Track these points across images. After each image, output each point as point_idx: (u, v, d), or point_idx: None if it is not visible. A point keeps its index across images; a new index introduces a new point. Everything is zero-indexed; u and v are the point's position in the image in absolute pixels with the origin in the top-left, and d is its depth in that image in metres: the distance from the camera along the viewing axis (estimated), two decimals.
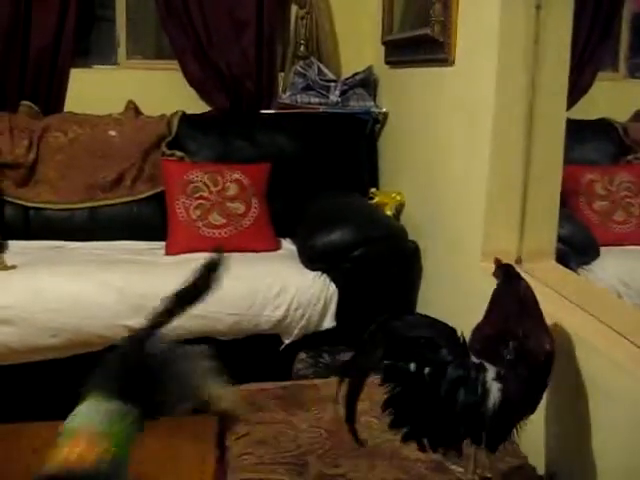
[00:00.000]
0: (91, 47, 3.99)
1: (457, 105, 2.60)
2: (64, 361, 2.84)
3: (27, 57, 3.64)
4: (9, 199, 3.42)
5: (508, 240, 2.32)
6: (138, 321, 2.76)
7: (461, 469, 1.76)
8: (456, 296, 2.57)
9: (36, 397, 2.90)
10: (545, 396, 1.67)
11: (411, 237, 3.00)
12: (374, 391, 2.14)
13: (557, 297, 2.05)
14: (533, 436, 1.83)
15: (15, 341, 2.75)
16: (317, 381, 2.15)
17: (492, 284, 2.25)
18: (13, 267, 2.98)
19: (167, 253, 3.24)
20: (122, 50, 3.94)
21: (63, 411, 2.94)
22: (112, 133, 3.52)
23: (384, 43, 3.53)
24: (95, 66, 3.94)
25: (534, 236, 2.30)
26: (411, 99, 3.20)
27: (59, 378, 2.89)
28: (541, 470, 1.86)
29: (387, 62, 3.56)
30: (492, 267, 2.28)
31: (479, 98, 2.37)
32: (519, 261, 2.31)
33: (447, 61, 2.65)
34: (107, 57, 3.96)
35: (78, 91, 3.75)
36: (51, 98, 3.72)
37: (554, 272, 2.25)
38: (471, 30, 2.50)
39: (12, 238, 3.35)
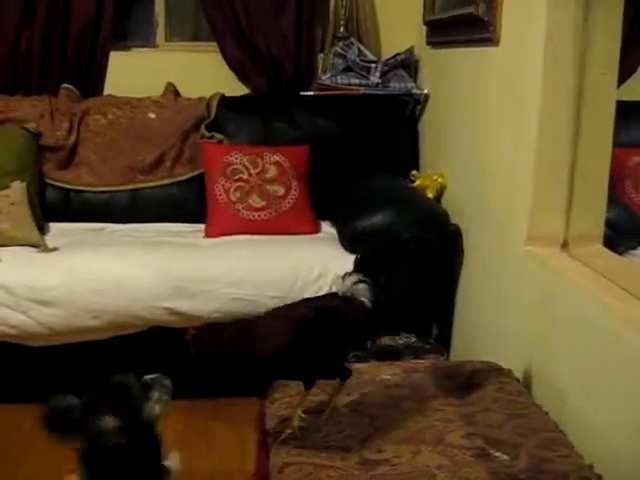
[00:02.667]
0: (130, 29, 4.00)
1: (502, 86, 2.55)
2: (104, 342, 2.86)
3: (67, 41, 3.67)
4: (50, 181, 3.45)
5: (554, 224, 2.27)
6: (178, 303, 2.80)
7: (506, 456, 1.73)
8: (500, 280, 2.53)
9: (76, 378, 2.92)
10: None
11: (453, 220, 2.96)
12: (416, 377, 2.14)
13: (605, 282, 2.00)
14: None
15: (57, 322, 2.79)
16: (358, 365, 2.12)
17: (537, 268, 2.22)
18: (55, 249, 3.01)
19: (206, 235, 3.24)
20: (161, 32, 3.94)
21: None
22: (151, 115, 3.53)
23: (426, 23, 3.48)
24: (134, 49, 3.94)
25: (581, 220, 2.25)
26: (454, 80, 3.15)
27: (99, 359, 2.92)
28: None
29: (429, 42, 3.50)
30: (538, 250, 2.26)
31: (526, 78, 2.31)
32: (565, 245, 2.26)
33: (492, 41, 2.59)
34: (146, 39, 3.96)
35: (117, 74, 3.77)
36: (91, 81, 3.74)
37: (601, 256, 2.20)
38: (517, 8, 2.44)
39: (53, 220, 3.40)
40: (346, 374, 1.81)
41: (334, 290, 2.78)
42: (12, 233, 3.05)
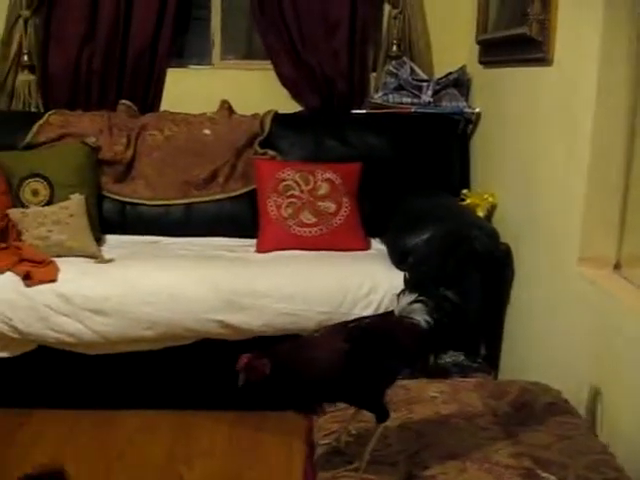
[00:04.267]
0: (187, 48, 4.08)
1: (555, 105, 2.54)
2: (158, 353, 2.92)
3: (126, 58, 3.77)
4: (107, 194, 3.54)
5: (606, 244, 2.26)
6: (229, 316, 2.85)
7: (553, 477, 1.73)
8: (550, 300, 2.52)
9: (129, 386, 2.99)
10: None
11: (503, 239, 2.95)
12: (463, 395, 2.14)
13: None
14: None
15: (111, 332, 2.85)
16: (407, 381, 2.13)
17: (589, 289, 2.20)
18: (110, 260, 3.09)
19: (258, 250, 3.28)
20: (217, 51, 4.02)
21: (155, 400, 3.05)
22: (206, 132, 3.60)
23: (478, 42, 3.48)
24: (191, 66, 4.04)
25: (634, 241, 2.22)
26: (505, 99, 3.15)
27: (152, 369, 2.99)
28: None
29: (481, 62, 3.51)
30: (590, 271, 2.24)
31: (579, 98, 2.31)
32: (618, 266, 2.24)
33: (545, 61, 2.59)
34: (202, 58, 4.05)
35: (174, 91, 3.85)
36: (148, 97, 3.83)
37: None
38: (571, 28, 2.44)
39: (109, 232, 3.48)
40: (384, 416, 1.77)
41: (384, 307, 2.84)
42: (70, 244, 3.13)
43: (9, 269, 2.91)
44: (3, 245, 3.11)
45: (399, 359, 1.79)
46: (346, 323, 1.86)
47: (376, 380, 1.76)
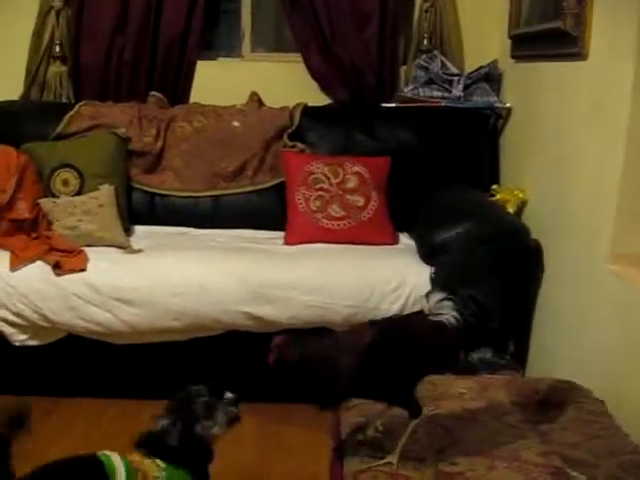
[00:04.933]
0: (217, 40, 4.09)
1: (589, 101, 2.51)
2: (185, 343, 2.93)
3: (156, 50, 3.79)
4: (137, 185, 3.55)
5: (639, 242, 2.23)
6: (256, 308, 2.85)
7: (583, 477, 1.71)
8: (581, 298, 2.49)
9: (156, 376, 3.00)
10: None
11: (533, 235, 2.92)
12: (492, 392, 2.13)
13: None
14: None
15: (139, 322, 2.87)
16: (434, 377, 2.12)
17: (621, 287, 2.18)
18: (139, 251, 3.10)
19: (286, 243, 3.28)
20: (246, 43, 4.02)
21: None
22: (235, 124, 3.60)
23: (511, 37, 3.45)
24: (220, 58, 4.04)
25: None
26: (538, 94, 3.11)
27: (179, 359, 3.00)
28: None
29: (513, 56, 3.47)
30: (622, 269, 2.21)
31: (614, 93, 2.28)
32: None
33: (580, 55, 2.56)
34: (232, 50, 4.05)
35: (204, 82, 3.87)
36: (178, 89, 3.85)
37: None
38: (607, 23, 2.40)
39: (138, 223, 3.49)
40: (417, 412, 1.77)
41: (411, 302, 2.83)
42: (100, 234, 3.16)
43: (39, 258, 2.94)
44: (34, 234, 3.15)
45: (426, 356, 1.78)
46: (371, 322, 1.86)
47: (403, 376, 1.75)
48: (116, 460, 1.78)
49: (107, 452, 1.80)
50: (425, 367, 1.80)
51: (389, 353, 1.72)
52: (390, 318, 2.04)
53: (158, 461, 1.83)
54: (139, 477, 1.77)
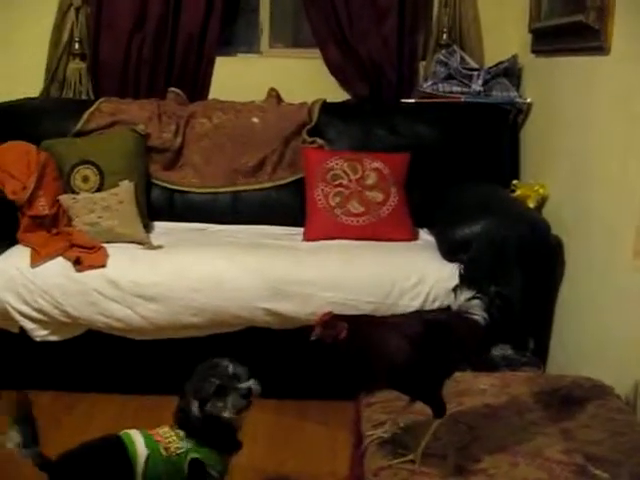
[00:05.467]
0: (235, 36, 4.09)
1: (612, 95, 2.49)
2: (204, 339, 2.93)
3: (175, 47, 3.79)
4: (156, 182, 3.56)
5: None
6: (276, 304, 2.85)
7: (606, 475, 1.69)
8: (603, 295, 2.47)
9: (175, 372, 3.00)
10: None
11: (554, 232, 2.90)
12: (514, 388, 2.11)
13: None
14: None
15: (159, 317, 2.88)
16: (456, 374, 2.10)
17: None
18: (159, 247, 3.11)
19: (305, 239, 3.28)
20: (265, 39, 4.01)
21: None
22: (255, 120, 3.60)
23: (531, 31, 3.42)
24: (239, 54, 4.03)
25: None
26: (559, 89, 3.09)
27: (197, 355, 3.00)
28: None
29: (533, 50, 3.44)
30: None
31: (637, 88, 2.25)
32: None
33: (602, 49, 2.53)
34: (250, 46, 4.05)
35: (222, 79, 3.86)
36: (197, 85, 3.85)
37: None
38: (630, 16, 2.37)
39: (158, 219, 3.50)
40: (442, 410, 1.76)
41: (431, 298, 2.82)
42: (120, 230, 3.17)
43: (60, 254, 2.95)
44: (54, 231, 3.16)
45: (461, 353, 1.78)
46: (420, 312, 1.85)
47: (439, 372, 1.75)
48: (135, 435, 1.91)
49: (127, 430, 1.94)
50: (457, 364, 1.81)
51: (434, 346, 1.72)
52: (434, 311, 2.02)
53: (180, 432, 1.94)
54: (160, 449, 1.89)
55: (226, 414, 1.92)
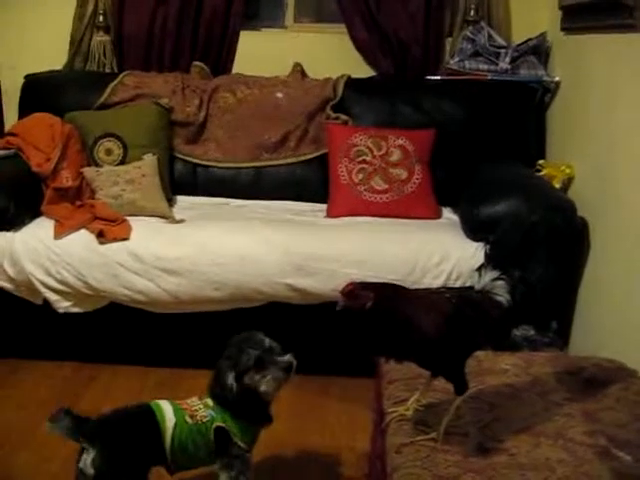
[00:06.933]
0: (260, 10, 4.05)
1: None
2: (225, 313, 2.94)
3: (199, 20, 3.76)
4: (179, 156, 3.56)
5: None
6: (298, 280, 2.84)
7: (629, 457, 1.68)
8: (629, 276, 2.44)
9: (196, 346, 3.02)
10: None
11: (580, 212, 2.86)
12: (536, 368, 2.10)
13: None
14: None
15: (181, 291, 2.89)
16: (478, 353, 2.09)
17: None
18: (182, 221, 3.11)
19: (328, 215, 3.27)
20: (290, 13, 3.98)
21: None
22: (279, 95, 3.58)
23: (562, 8, 3.36)
24: (264, 29, 4.00)
25: None
26: (589, 67, 3.04)
27: (218, 329, 3.00)
28: None
29: (563, 28, 3.38)
30: None
31: None
32: None
33: (634, 27, 2.48)
34: (275, 20, 4.02)
35: (247, 53, 3.83)
36: (221, 59, 3.83)
37: None
38: None
39: (180, 193, 3.50)
40: (464, 388, 1.75)
41: (454, 277, 2.80)
42: (142, 203, 3.17)
43: (83, 226, 2.96)
44: (78, 203, 3.17)
45: (487, 333, 1.76)
46: (447, 289, 1.83)
47: (464, 350, 1.73)
48: (164, 405, 1.95)
49: (156, 400, 1.98)
50: (483, 343, 1.79)
51: (465, 322, 1.70)
52: (461, 289, 2.00)
53: (209, 401, 1.97)
54: (186, 416, 1.92)
55: (263, 387, 1.92)
